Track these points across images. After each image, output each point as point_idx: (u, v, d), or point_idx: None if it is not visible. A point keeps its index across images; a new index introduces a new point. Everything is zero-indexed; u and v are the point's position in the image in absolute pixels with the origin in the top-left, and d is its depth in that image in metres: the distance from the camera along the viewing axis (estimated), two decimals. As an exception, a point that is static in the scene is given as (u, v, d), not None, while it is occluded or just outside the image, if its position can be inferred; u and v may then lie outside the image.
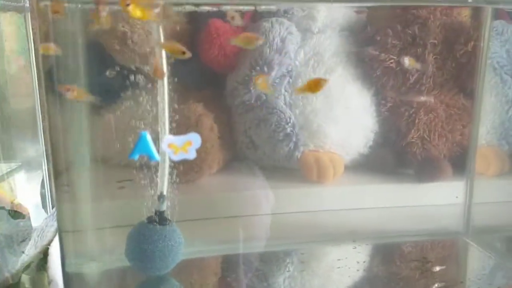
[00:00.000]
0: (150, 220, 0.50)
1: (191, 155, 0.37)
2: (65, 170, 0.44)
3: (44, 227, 0.57)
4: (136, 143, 0.35)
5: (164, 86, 0.50)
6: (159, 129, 0.48)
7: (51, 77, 0.43)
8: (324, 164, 0.72)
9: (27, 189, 0.69)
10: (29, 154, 0.78)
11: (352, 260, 0.56)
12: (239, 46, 0.71)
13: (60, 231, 0.44)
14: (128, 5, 0.39)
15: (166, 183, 0.49)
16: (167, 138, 0.37)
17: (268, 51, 0.72)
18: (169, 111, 0.51)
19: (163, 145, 0.36)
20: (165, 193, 0.49)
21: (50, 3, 0.39)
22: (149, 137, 0.36)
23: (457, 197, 0.67)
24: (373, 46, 0.74)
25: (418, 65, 0.58)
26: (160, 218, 0.49)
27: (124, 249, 0.50)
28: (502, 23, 0.77)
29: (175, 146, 0.37)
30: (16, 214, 0.59)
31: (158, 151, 0.37)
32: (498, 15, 0.76)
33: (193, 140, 0.37)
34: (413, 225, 0.66)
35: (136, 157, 0.36)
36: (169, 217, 0.51)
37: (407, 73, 0.73)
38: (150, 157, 0.37)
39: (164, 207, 0.49)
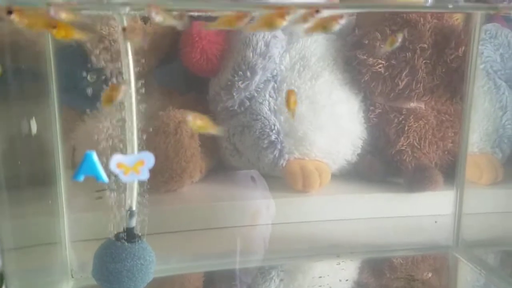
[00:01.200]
0: (117, 237, 0.47)
1: (144, 175, 0.35)
2: (5, 181, 0.41)
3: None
4: (81, 163, 0.33)
5: (131, 91, 0.47)
6: (127, 138, 0.45)
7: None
8: (309, 173, 0.69)
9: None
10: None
11: (335, 278, 0.53)
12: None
13: (3, 250, 0.41)
14: (10, 13, 0.35)
15: (135, 197, 0.46)
16: (115, 158, 0.34)
17: (251, 55, 0.69)
18: (147, 118, 0.49)
19: (111, 165, 0.34)
20: (134, 208, 0.46)
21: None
22: (95, 157, 0.33)
23: (436, 222, 0.64)
24: (361, 50, 0.71)
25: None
26: (128, 235, 0.47)
27: (91, 268, 0.47)
28: (496, 26, 0.74)
29: (125, 166, 0.34)
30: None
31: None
32: (491, 18, 0.73)
33: (146, 159, 0.34)
34: (401, 238, 0.64)
35: (81, 178, 0.34)
36: (139, 233, 0.48)
37: (396, 78, 0.70)
38: (97, 178, 0.34)
39: (133, 223, 0.46)
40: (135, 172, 0.34)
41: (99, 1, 0.45)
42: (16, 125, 0.45)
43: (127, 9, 0.46)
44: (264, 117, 0.70)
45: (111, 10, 0.46)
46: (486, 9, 0.52)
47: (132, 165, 0.34)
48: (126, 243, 0.46)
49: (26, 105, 0.47)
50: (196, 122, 0.41)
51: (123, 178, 0.35)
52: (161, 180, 0.67)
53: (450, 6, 0.43)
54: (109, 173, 0.38)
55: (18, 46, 0.45)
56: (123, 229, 0.47)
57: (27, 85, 0.48)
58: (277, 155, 0.70)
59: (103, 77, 0.57)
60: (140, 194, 0.47)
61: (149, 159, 0.34)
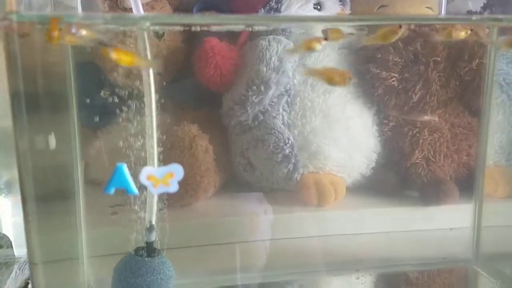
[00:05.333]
0: (137, 251, 0.46)
1: (173, 188, 0.35)
2: (34, 196, 0.41)
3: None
4: (112, 176, 0.33)
5: (152, 107, 0.47)
6: (147, 152, 0.46)
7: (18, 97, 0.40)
8: (324, 187, 0.69)
9: (10, 213, 0.65)
10: (15, 174, 0.73)
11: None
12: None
13: (31, 263, 0.40)
14: None
15: (155, 212, 0.46)
16: (146, 170, 0.34)
17: (265, 69, 0.69)
18: (162, 133, 0.49)
19: (141, 177, 0.34)
20: (153, 222, 0.46)
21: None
22: (126, 169, 0.33)
23: (451, 229, 0.64)
24: (374, 64, 0.71)
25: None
26: (148, 249, 0.46)
27: (110, 283, 0.47)
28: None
29: (154, 178, 0.34)
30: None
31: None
32: (504, 30, 0.73)
33: (175, 171, 0.34)
34: (419, 252, 0.63)
35: (112, 191, 0.34)
36: (159, 248, 0.47)
37: (409, 92, 0.70)
38: (128, 190, 0.34)
39: (153, 237, 0.46)
40: (164, 185, 0.34)
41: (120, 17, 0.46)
42: (37, 140, 0.45)
43: (148, 24, 0.47)
44: (278, 131, 0.70)
45: (132, 25, 0.46)
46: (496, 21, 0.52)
47: (162, 177, 0.34)
48: (145, 258, 0.46)
49: (46, 121, 0.47)
50: (121, 57, 0.40)
51: (152, 190, 0.35)
52: (175, 194, 0.66)
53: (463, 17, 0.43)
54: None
55: (41, 61, 0.45)
56: (143, 244, 0.47)
57: (47, 100, 0.49)
58: (291, 169, 0.70)
59: (118, 94, 0.57)
60: (159, 209, 0.47)
61: (178, 171, 0.34)
